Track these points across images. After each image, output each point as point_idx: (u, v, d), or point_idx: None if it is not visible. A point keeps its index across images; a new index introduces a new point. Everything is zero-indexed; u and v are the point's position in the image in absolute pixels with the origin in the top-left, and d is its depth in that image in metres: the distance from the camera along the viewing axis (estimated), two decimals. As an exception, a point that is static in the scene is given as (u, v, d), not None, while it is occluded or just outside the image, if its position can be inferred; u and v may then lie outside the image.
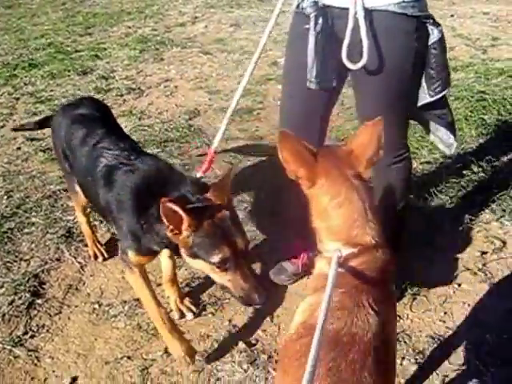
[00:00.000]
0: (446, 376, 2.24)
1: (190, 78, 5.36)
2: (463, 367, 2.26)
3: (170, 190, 2.04)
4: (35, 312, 2.72)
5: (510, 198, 3.21)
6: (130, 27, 7.14)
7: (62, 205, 3.45)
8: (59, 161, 2.83)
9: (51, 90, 5.23)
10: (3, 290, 2.83)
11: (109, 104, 4.71)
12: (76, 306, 2.75)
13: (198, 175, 2.28)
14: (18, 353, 2.50)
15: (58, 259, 3.02)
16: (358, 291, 1.41)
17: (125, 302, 2.74)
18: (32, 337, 2.59)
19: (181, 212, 1.82)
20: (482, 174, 3.43)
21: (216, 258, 1.91)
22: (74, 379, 2.37)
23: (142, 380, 2.33)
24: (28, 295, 2.79)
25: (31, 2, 9.22)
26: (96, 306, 2.74)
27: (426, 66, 2.23)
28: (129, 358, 2.45)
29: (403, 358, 2.31)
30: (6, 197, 3.56)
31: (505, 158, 3.59)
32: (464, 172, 3.45)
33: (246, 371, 2.34)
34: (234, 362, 2.38)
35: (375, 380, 1.29)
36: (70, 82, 5.39)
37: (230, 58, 5.79)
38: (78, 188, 2.71)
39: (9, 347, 2.52)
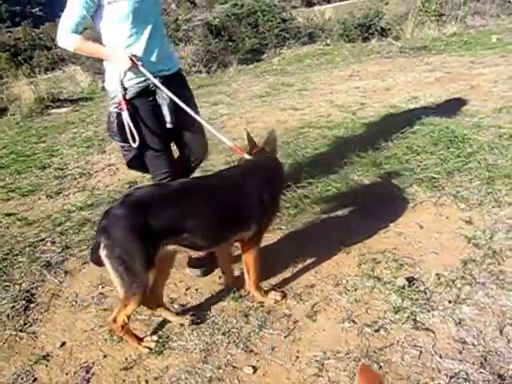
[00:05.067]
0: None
1: (123, 162, 6.34)
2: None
3: None
4: (30, 312, 3.56)
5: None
6: (75, 133, 8.18)
7: (40, 249, 4.34)
8: None
9: (18, 182, 6.14)
10: (5, 301, 3.68)
11: (66, 185, 5.73)
12: (59, 305, 3.59)
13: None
14: (21, 335, 3.33)
15: (42, 280, 3.89)
16: None
17: (93, 297, 3.62)
18: (30, 326, 3.42)
19: None
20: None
21: None
22: (63, 343, 3.22)
23: (110, 336, 3.20)
24: (24, 302, 3.64)
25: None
26: (73, 303, 3.60)
27: None
28: (101, 326, 3.31)
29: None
30: (-5, 250, 4.44)
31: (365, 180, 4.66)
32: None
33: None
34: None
35: None
36: (33, 174, 6.32)
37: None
38: None
39: (14, 333, 3.36)
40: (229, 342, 2.97)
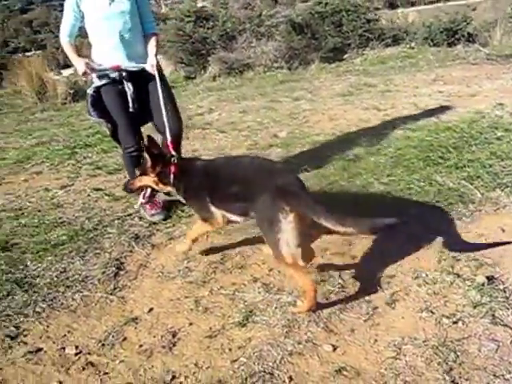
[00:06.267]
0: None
1: (210, 148, 6.61)
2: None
3: None
4: (119, 278, 3.85)
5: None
6: (158, 118, 8.52)
7: (128, 223, 4.64)
8: None
9: (105, 160, 6.51)
10: (96, 266, 3.99)
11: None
12: (146, 275, 3.86)
13: None
14: (111, 298, 3.62)
15: (130, 251, 4.18)
16: None
17: (179, 270, 3.87)
18: (119, 291, 3.70)
19: None
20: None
21: None
22: (151, 309, 3.48)
23: (195, 306, 3.44)
24: (114, 268, 3.94)
25: (75, 105, 10.75)
26: (160, 274, 3.86)
27: None
28: (186, 297, 3.56)
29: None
30: (87, 220, 4.76)
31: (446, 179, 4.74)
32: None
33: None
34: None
35: None
36: (118, 154, 6.61)
37: (240, 134, 7.08)
38: None
39: (105, 295, 3.65)
40: (310, 321, 3.14)
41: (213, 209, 3.57)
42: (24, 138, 8.37)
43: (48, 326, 3.41)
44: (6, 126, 9.67)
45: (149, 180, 3.75)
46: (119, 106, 4.40)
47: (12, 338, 3.31)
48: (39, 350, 3.19)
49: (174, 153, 3.84)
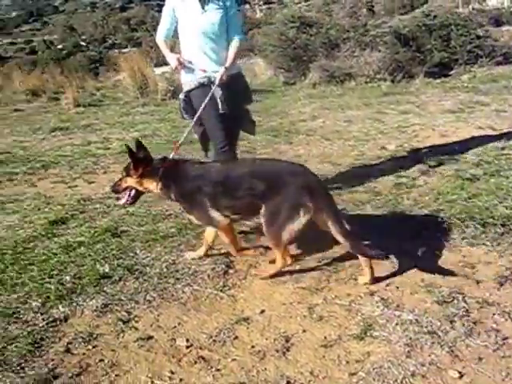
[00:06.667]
0: None
1: (315, 155, 6.56)
2: None
3: None
4: (228, 276, 3.82)
5: None
6: (260, 121, 8.52)
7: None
8: None
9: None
10: (206, 261, 3.99)
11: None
12: (256, 275, 3.84)
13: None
14: (221, 295, 3.60)
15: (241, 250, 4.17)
16: None
17: (291, 273, 3.81)
18: (229, 289, 3.67)
19: None
20: None
21: None
22: (262, 311, 3.42)
23: (309, 313, 3.36)
24: (223, 266, 3.93)
25: (175, 102, 10.93)
26: (270, 276, 3.84)
27: None
28: (298, 302, 3.48)
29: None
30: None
31: None
32: None
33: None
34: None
35: None
36: (221, 153, 6.71)
37: (346, 143, 7.00)
38: None
39: (215, 292, 3.63)
40: (433, 343, 3.00)
41: (210, 209, 3.81)
42: (127, 130, 8.60)
43: (159, 316, 3.42)
44: (108, 118, 9.98)
45: (132, 181, 3.89)
46: (208, 106, 4.51)
47: (124, 323, 3.35)
48: (150, 337, 3.21)
49: (172, 155, 4.14)
